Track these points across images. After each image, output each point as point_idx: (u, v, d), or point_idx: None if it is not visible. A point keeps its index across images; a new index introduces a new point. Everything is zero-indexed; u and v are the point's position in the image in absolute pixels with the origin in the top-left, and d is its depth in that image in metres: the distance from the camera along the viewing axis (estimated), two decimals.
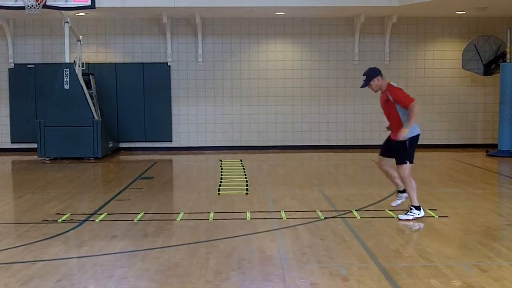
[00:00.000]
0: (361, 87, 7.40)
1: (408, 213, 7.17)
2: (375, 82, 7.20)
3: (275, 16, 15.32)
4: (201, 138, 15.84)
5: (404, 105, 7.02)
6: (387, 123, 7.54)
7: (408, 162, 7.09)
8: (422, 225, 6.98)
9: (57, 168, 12.51)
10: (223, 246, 6.06)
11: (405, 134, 6.96)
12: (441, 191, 9.28)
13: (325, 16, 15.46)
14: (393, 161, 7.31)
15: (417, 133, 7.23)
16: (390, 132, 7.43)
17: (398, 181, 7.37)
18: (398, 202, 7.49)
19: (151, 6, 13.83)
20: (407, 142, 7.06)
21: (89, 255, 5.78)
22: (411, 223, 7.05)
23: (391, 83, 7.28)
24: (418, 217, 7.14)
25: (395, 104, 7.11)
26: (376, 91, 7.34)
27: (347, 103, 15.85)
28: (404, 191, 7.38)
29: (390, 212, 7.55)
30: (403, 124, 7.02)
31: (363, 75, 7.28)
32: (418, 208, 7.17)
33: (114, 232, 6.71)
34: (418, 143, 7.31)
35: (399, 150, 7.13)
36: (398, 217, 7.19)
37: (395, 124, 7.19)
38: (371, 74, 7.22)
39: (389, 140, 7.37)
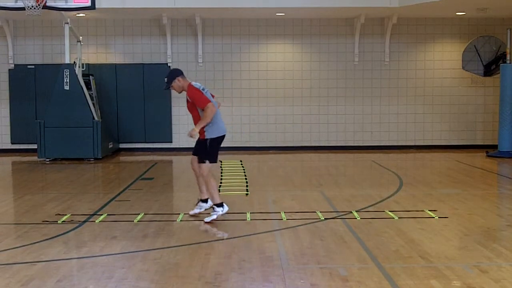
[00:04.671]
0: (164, 89, 7.57)
1: (212, 213, 7.26)
2: (176, 83, 7.31)
3: (275, 17, 15.33)
4: None
5: (199, 106, 7.17)
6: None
7: (207, 161, 7.26)
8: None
9: (57, 169, 12.51)
10: (223, 246, 6.06)
11: (194, 132, 7.10)
12: (441, 192, 9.28)
13: (325, 17, 15.46)
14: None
15: (221, 134, 7.37)
16: None
17: (204, 188, 7.47)
18: (196, 211, 7.57)
19: (151, 7, 13.84)
20: (208, 141, 7.23)
21: (89, 256, 5.78)
22: (215, 227, 7.07)
23: (192, 83, 7.33)
24: (223, 214, 7.25)
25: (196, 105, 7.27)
26: (180, 92, 7.45)
27: (347, 104, 15.86)
28: (206, 200, 7.51)
29: (390, 213, 7.55)
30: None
31: (165, 77, 7.40)
32: (220, 205, 7.29)
33: (114, 233, 6.71)
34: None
35: (201, 149, 7.33)
36: (204, 221, 7.22)
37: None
38: (172, 75, 7.34)
39: (198, 140, 7.50)
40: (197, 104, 7.16)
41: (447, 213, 7.60)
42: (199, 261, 5.52)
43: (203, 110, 7.11)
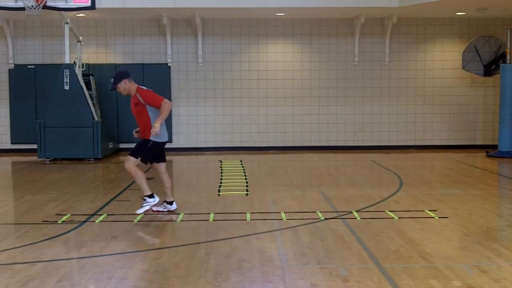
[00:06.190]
0: (110, 89, 7.65)
1: (144, 204, 7.39)
2: (122, 85, 7.34)
3: (275, 17, 15.33)
4: (201, 139, 15.85)
5: (155, 105, 7.19)
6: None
7: (139, 158, 7.32)
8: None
9: (57, 169, 12.51)
10: (223, 247, 6.06)
11: (156, 130, 7.16)
12: (441, 192, 9.28)
13: (325, 17, 15.46)
14: (162, 166, 7.66)
15: (164, 140, 7.48)
16: (138, 136, 7.63)
17: (168, 191, 7.63)
18: (160, 208, 7.67)
19: (151, 7, 13.85)
20: (151, 142, 7.28)
21: (89, 256, 5.78)
22: (150, 211, 7.31)
23: (140, 86, 7.37)
24: (154, 204, 7.40)
25: (146, 107, 7.29)
26: (125, 94, 7.47)
27: (347, 104, 15.86)
28: (171, 202, 7.63)
29: (390, 213, 7.55)
30: (154, 122, 7.21)
31: (111, 78, 7.44)
32: (151, 196, 7.43)
33: (114, 233, 6.71)
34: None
35: (139, 145, 7.38)
36: (136, 212, 7.40)
37: (145, 127, 7.36)
38: (118, 77, 7.36)
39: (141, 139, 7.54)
40: (153, 103, 7.21)
41: (447, 213, 7.60)
42: (199, 261, 5.52)
43: (159, 108, 7.16)
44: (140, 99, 7.29)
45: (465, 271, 5.13)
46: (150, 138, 7.30)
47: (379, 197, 8.76)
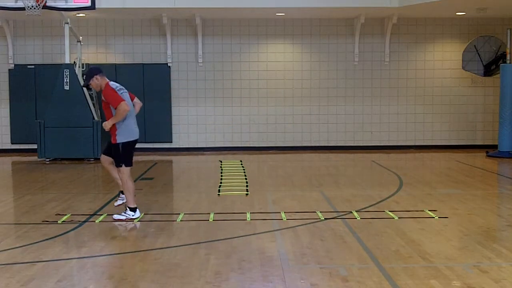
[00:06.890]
0: (83, 86, 7.69)
1: (123, 213, 7.37)
2: (94, 81, 7.42)
3: (275, 17, 15.33)
4: (201, 139, 15.85)
5: (112, 104, 7.24)
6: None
7: (123, 165, 7.33)
8: (137, 224, 7.14)
9: (57, 169, 12.51)
10: (223, 246, 6.06)
11: (106, 127, 7.22)
12: (441, 192, 9.28)
13: (325, 17, 15.46)
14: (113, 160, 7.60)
15: (132, 139, 7.46)
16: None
17: (120, 181, 7.58)
18: (119, 202, 7.72)
19: (151, 7, 13.85)
20: (120, 146, 7.29)
21: (89, 256, 5.78)
22: (124, 222, 7.21)
23: (110, 83, 7.41)
24: (132, 218, 7.31)
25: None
26: (98, 90, 7.53)
27: (347, 104, 15.86)
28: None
29: (390, 213, 7.55)
30: (116, 124, 7.24)
31: (84, 75, 7.53)
32: (133, 209, 7.38)
33: (114, 233, 6.71)
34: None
35: (114, 153, 7.40)
36: (113, 217, 7.38)
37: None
38: (90, 73, 7.47)
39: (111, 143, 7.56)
40: (111, 103, 7.25)
41: (447, 213, 7.60)
42: (199, 261, 5.52)
43: (115, 108, 7.19)
44: (102, 95, 7.36)
45: (465, 271, 5.13)
46: (117, 142, 7.30)
47: (379, 197, 8.76)
